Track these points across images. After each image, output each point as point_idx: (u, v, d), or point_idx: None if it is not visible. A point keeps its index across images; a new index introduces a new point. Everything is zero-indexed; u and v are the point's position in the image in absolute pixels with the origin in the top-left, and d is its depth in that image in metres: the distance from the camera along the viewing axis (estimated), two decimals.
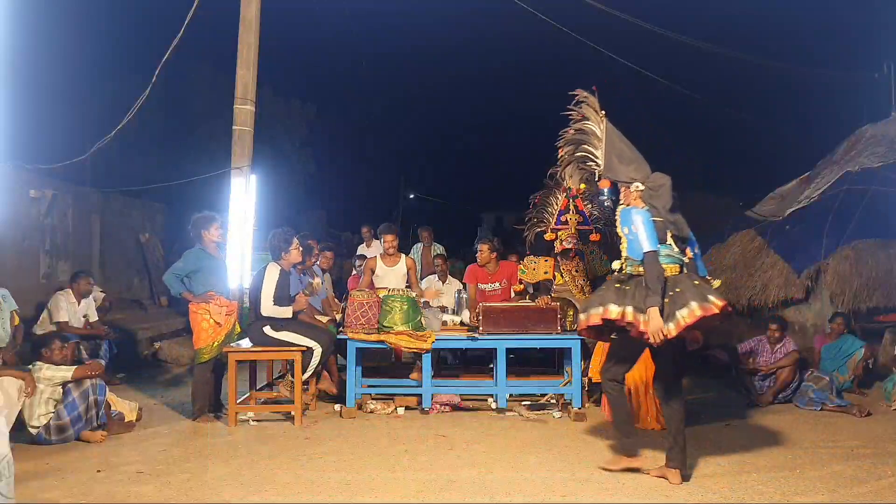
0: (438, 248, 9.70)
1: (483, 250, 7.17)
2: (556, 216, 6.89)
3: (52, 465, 4.53)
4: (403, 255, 7.15)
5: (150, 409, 6.14)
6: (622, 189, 4.52)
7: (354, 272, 8.95)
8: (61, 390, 5.10)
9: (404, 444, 5.03)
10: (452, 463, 4.58)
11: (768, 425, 5.70)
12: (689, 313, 4.01)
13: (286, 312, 5.70)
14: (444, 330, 6.34)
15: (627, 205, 4.44)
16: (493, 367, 6.40)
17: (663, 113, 20.31)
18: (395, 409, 6.08)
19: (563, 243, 6.73)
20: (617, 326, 4.31)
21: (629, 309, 4.15)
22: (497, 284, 7.12)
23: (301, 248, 6.03)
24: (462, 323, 6.63)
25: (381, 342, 6.01)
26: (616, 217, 4.49)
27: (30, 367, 5.17)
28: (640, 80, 12.92)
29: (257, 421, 5.77)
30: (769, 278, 9.84)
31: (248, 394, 6.32)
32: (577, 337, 6.09)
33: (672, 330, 4.03)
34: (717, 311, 4.02)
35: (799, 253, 9.57)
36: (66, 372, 5.12)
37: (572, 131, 4.90)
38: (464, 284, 7.42)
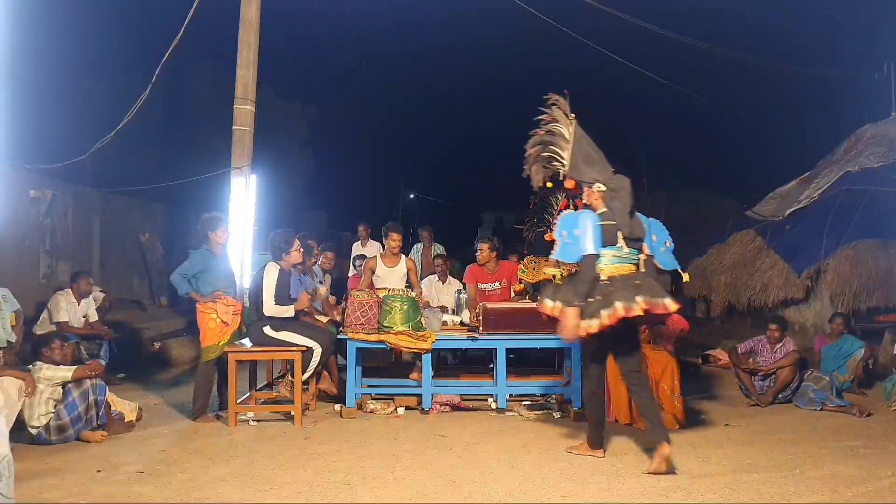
0: (438, 248, 9.70)
1: (483, 249, 7.17)
2: (556, 216, 6.89)
3: (52, 465, 4.53)
4: (404, 256, 7.15)
5: (150, 409, 6.13)
6: (585, 189, 4.73)
7: (354, 272, 8.95)
8: (61, 390, 5.10)
9: (404, 444, 5.03)
10: (452, 463, 4.58)
11: (768, 425, 5.69)
12: (612, 313, 4.27)
13: (288, 311, 5.70)
14: (444, 330, 6.34)
15: (588, 204, 4.67)
16: (493, 367, 6.40)
17: (663, 113, 20.31)
18: (395, 409, 6.08)
19: None
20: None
21: (558, 304, 4.48)
22: (497, 284, 7.12)
23: (302, 249, 6.03)
24: (462, 323, 6.63)
25: (381, 342, 6.01)
26: (555, 220, 4.72)
27: (29, 367, 5.17)
28: (640, 80, 12.93)
29: (257, 421, 5.77)
30: (769, 278, 9.84)
31: (248, 394, 6.32)
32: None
33: (593, 327, 4.30)
34: (640, 312, 4.28)
35: (799, 253, 9.59)
36: (66, 372, 5.12)
37: (542, 132, 5.03)
38: (464, 284, 7.42)
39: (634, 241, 4.59)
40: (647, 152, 24.98)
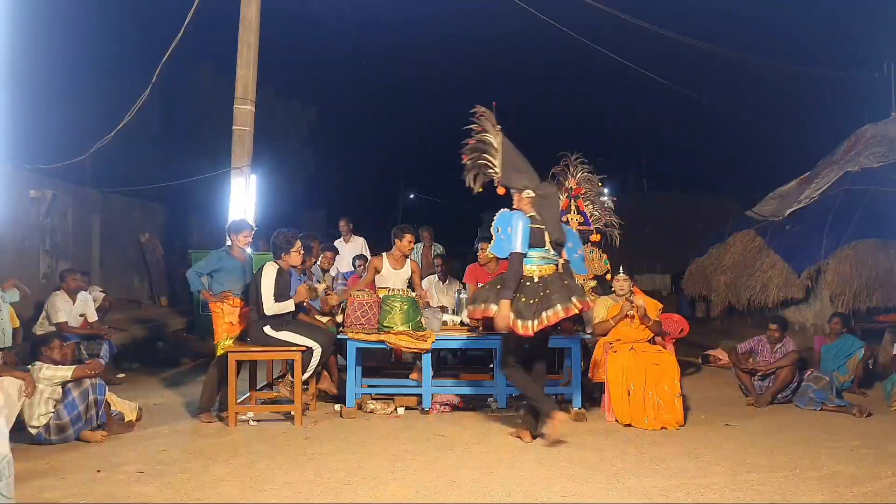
0: (438, 248, 9.69)
1: (484, 249, 7.17)
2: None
3: (52, 465, 4.53)
4: (409, 259, 7.10)
5: (150, 409, 6.14)
6: (515, 195, 5.13)
7: (353, 272, 8.93)
8: (61, 390, 5.10)
9: (404, 444, 5.03)
10: (452, 463, 4.58)
11: (768, 425, 5.69)
12: (553, 314, 4.75)
13: (289, 306, 5.70)
14: (444, 330, 6.33)
15: (517, 208, 5.06)
16: (493, 367, 6.40)
17: (664, 113, 20.30)
18: (395, 409, 6.08)
19: None
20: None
21: (482, 305, 4.96)
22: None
23: (302, 252, 6.02)
24: (462, 323, 6.62)
25: (381, 342, 6.01)
26: (493, 218, 5.11)
27: (29, 367, 5.17)
28: (640, 79, 12.92)
29: (257, 421, 5.77)
30: (769, 278, 9.85)
31: (248, 394, 6.32)
32: (577, 337, 6.10)
33: (536, 326, 4.76)
34: (577, 311, 4.84)
35: (799, 253, 9.60)
36: (66, 371, 5.11)
37: (473, 141, 5.28)
38: (464, 284, 7.41)
39: (557, 245, 5.08)
40: (647, 152, 25.02)
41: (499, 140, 5.16)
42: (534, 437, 5.11)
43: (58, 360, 5.20)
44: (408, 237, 6.71)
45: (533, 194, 5.05)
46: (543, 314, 4.75)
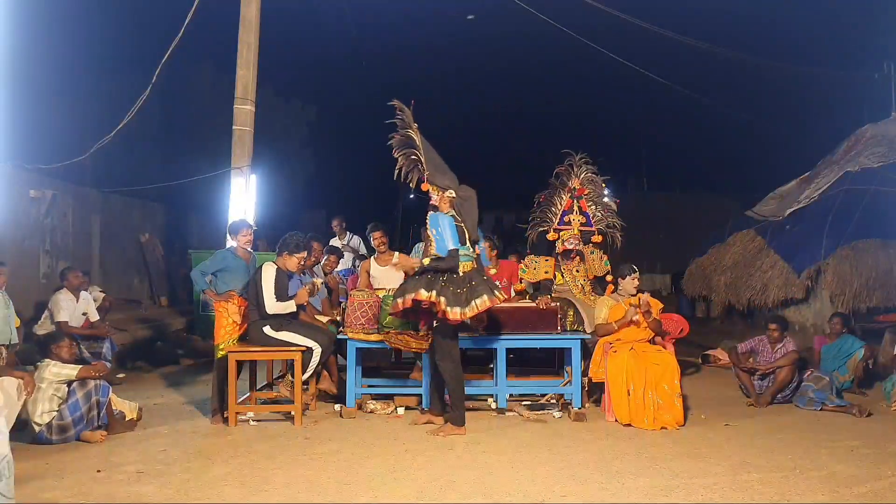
0: None
1: (485, 248, 7.16)
2: (559, 216, 6.90)
3: (52, 465, 4.53)
4: (397, 254, 7.10)
5: (150, 409, 6.14)
6: (437, 194, 5.42)
7: (353, 271, 8.92)
8: (66, 389, 5.10)
9: (404, 444, 5.03)
10: (452, 463, 4.58)
11: (768, 425, 5.70)
12: (482, 303, 5.17)
13: (290, 307, 5.72)
14: None
15: (439, 207, 5.37)
16: (493, 367, 6.40)
17: (664, 113, 20.29)
18: (395, 409, 6.08)
19: (565, 244, 6.75)
20: (424, 310, 5.35)
21: (433, 293, 5.19)
22: (497, 284, 7.10)
23: (303, 263, 6.03)
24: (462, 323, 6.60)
25: (381, 342, 6.01)
26: (426, 220, 5.42)
27: (34, 366, 5.19)
28: (640, 79, 12.91)
29: (257, 421, 5.77)
30: (769, 278, 9.86)
31: (248, 394, 6.33)
32: (577, 337, 6.09)
33: (467, 313, 5.14)
34: (499, 303, 5.33)
35: (799, 253, 9.60)
36: (71, 370, 5.13)
37: (399, 137, 5.52)
38: None
39: (473, 244, 5.43)
40: (647, 152, 25.01)
41: (418, 138, 5.40)
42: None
43: (66, 359, 5.24)
44: (374, 235, 7.11)
45: (454, 195, 5.37)
46: (473, 302, 5.15)
